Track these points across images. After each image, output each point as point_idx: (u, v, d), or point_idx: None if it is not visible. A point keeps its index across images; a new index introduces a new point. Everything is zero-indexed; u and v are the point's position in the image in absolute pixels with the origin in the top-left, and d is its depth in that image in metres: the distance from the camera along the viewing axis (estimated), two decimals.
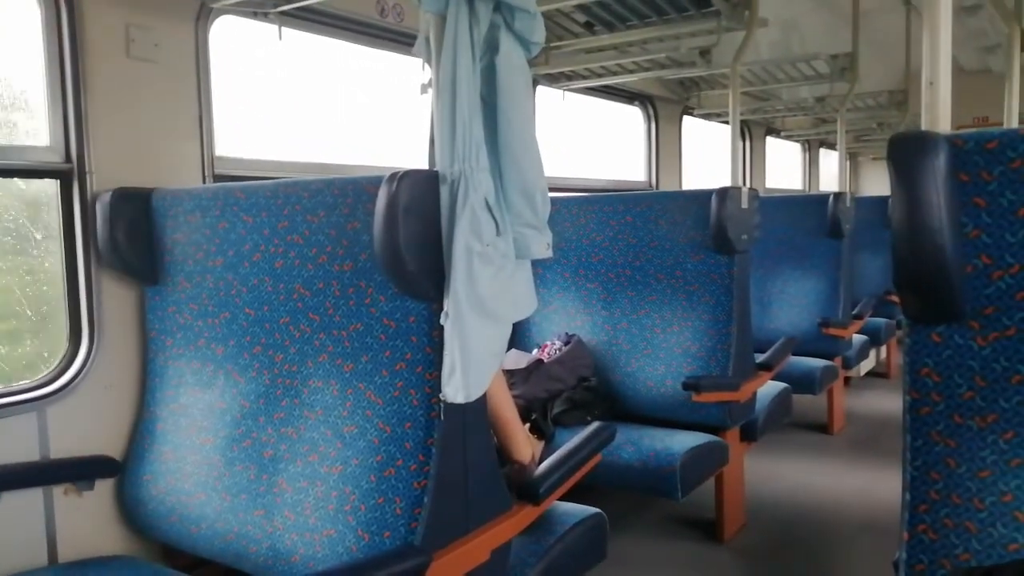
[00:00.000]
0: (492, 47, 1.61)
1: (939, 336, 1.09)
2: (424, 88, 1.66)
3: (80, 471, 2.04)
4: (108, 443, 2.11)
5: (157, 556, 2.16)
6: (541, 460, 2.07)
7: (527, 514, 1.85)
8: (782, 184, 7.04)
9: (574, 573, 2.03)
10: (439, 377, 1.60)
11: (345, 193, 1.74)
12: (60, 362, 2.08)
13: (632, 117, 4.80)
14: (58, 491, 2.01)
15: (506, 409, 2.00)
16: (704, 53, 3.35)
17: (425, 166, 1.74)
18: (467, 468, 1.68)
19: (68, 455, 2.03)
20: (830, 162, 8.10)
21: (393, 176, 1.55)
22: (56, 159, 2.06)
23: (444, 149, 1.57)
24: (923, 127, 1.13)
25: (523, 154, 1.64)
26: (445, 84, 1.56)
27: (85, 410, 2.06)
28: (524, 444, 2.04)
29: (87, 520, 2.06)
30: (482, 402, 1.71)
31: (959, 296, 1.05)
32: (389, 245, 1.55)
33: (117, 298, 2.14)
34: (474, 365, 1.59)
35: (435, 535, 1.59)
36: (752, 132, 6.15)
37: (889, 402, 5.20)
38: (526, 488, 1.86)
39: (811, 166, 7.75)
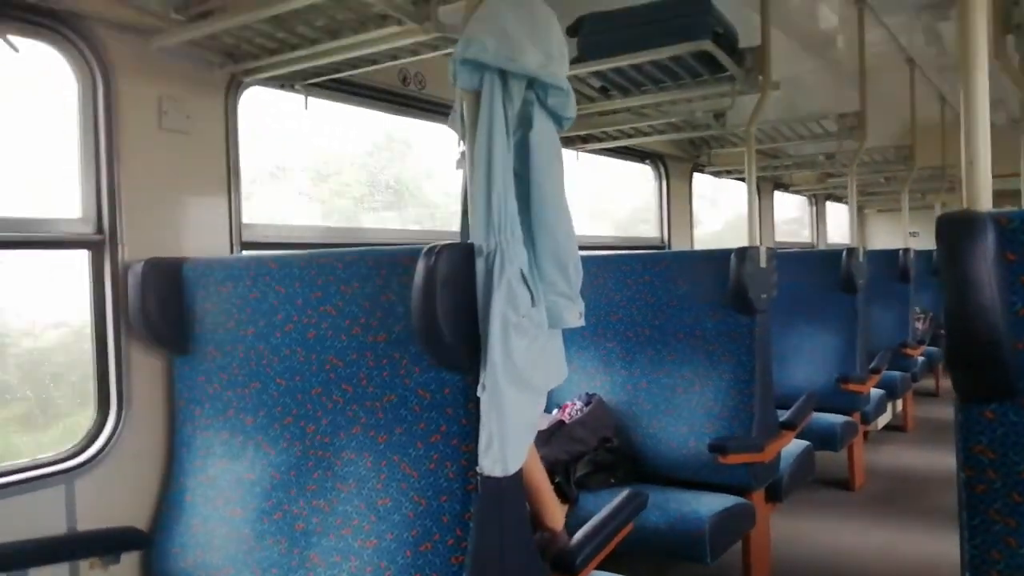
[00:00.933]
0: (525, 122, 1.65)
1: (992, 413, 1.09)
2: (459, 163, 1.69)
3: (107, 544, 2.01)
4: (135, 515, 2.09)
5: None
6: (567, 524, 2.05)
7: None
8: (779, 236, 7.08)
9: None
10: (475, 449, 1.59)
11: (380, 264, 1.76)
12: (88, 433, 2.07)
13: (641, 174, 4.86)
14: (84, 565, 1.98)
15: (537, 475, 1.98)
16: (719, 116, 3.40)
17: (456, 233, 1.77)
18: (503, 542, 1.66)
19: (95, 527, 2.00)
20: (832, 215, 8.15)
21: (431, 249, 1.57)
22: (88, 230, 2.08)
23: (479, 222, 1.58)
24: (964, 205, 1.15)
25: (556, 225, 1.66)
26: (480, 159, 1.59)
27: (112, 481, 2.05)
28: (556, 511, 2.01)
29: None
30: (518, 474, 1.69)
31: (1012, 374, 1.05)
32: (426, 317, 1.56)
33: (146, 368, 2.14)
34: (511, 437, 1.59)
35: None
36: (761, 188, 6.22)
37: (908, 456, 5.14)
38: (562, 559, 1.83)
39: (818, 220, 7.81)
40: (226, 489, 1.98)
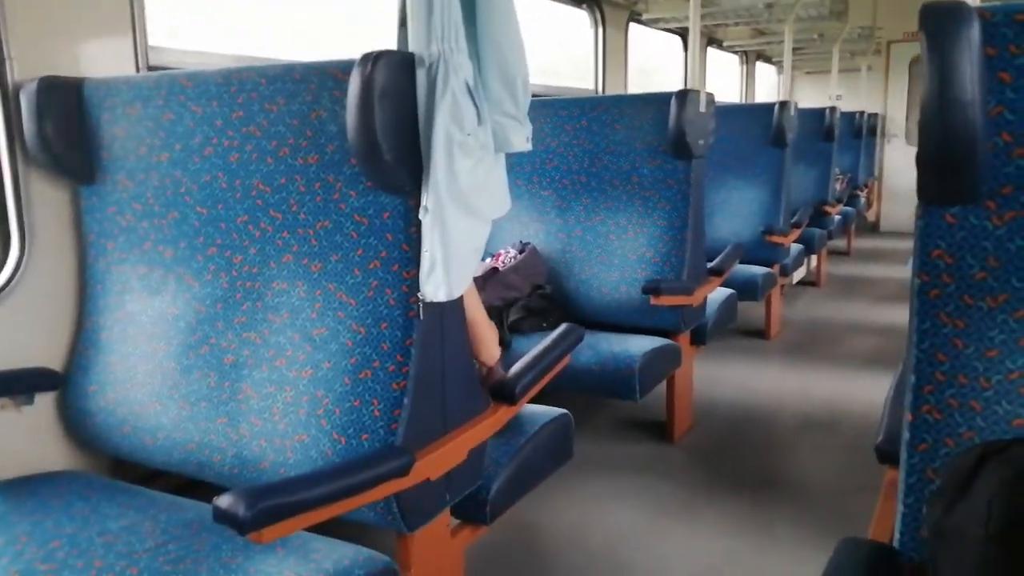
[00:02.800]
0: None
1: (953, 217, 1.08)
2: None
3: (18, 384, 1.90)
4: (47, 355, 1.96)
5: (106, 470, 2.05)
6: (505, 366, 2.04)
7: (503, 414, 1.82)
8: None
9: (544, 472, 2.04)
10: (416, 275, 1.52)
11: (308, 79, 1.61)
12: None
13: (573, 23, 4.66)
14: None
15: (475, 309, 1.94)
16: None
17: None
18: (445, 368, 1.63)
19: (3, 368, 1.88)
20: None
21: (367, 57, 1.43)
22: None
23: (420, 29, 1.45)
24: None
25: (504, 37, 1.54)
26: None
27: (20, 321, 1.91)
28: (493, 344, 1.99)
29: (28, 436, 1.93)
30: (459, 300, 1.65)
31: (980, 175, 1.04)
32: (364, 133, 1.44)
33: (49, 199, 1.96)
34: (455, 261, 1.52)
35: (415, 436, 1.55)
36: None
37: (820, 309, 5.39)
38: (502, 388, 1.83)
39: (748, 79, 7.76)
40: (147, 325, 1.88)
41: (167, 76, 1.83)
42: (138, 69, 2.14)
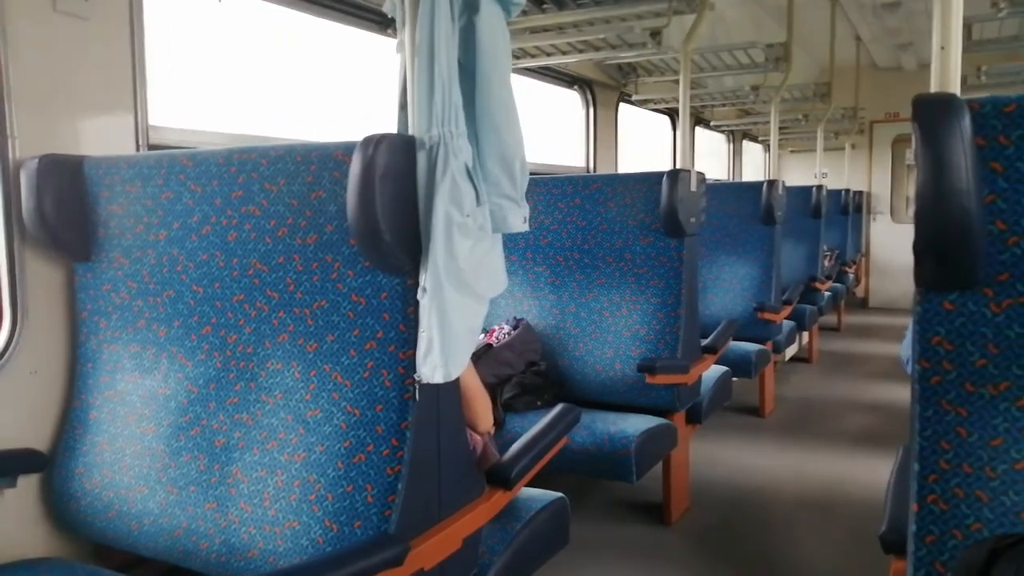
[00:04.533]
0: (470, 7, 1.53)
1: (952, 304, 1.08)
2: (398, 48, 1.56)
3: (2, 466, 1.85)
4: (33, 435, 1.91)
5: (87, 556, 1.98)
6: (499, 446, 2.01)
7: (499, 499, 1.78)
8: None
9: (540, 559, 1.98)
10: (413, 356, 1.51)
11: (308, 160, 1.62)
12: None
13: (564, 102, 4.77)
14: None
15: (470, 378, 1.91)
16: (655, 34, 3.34)
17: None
18: (440, 452, 1.60)
19: None
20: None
21: (368, 140, 1.45)
22: None
23: (421, 113, 1.47)
24: (932, 90, 1.12)
25: (503, 120, 1.56)
26: (423, 44, 1.47)
27: (7, 399, 1.87)
28: (487, 415, 1.95)
29: (9, 520, 1.87)
30: (455, 382, 1.63)
31: (977, 261, 1.04)
32: (364, 214, 1.45)
33: (43, 275, 1.94)
34: (453, 343, 1.51)
35: (410, 523, 1.50)
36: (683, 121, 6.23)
37: (814, 386, 5.37)
38: (497, 473, 1.79)
39: (735, 157, 7.93)
40: (137, 405, 1.84)
41: (167, 155, 1.85)
42: (138, 148, 2.16)
